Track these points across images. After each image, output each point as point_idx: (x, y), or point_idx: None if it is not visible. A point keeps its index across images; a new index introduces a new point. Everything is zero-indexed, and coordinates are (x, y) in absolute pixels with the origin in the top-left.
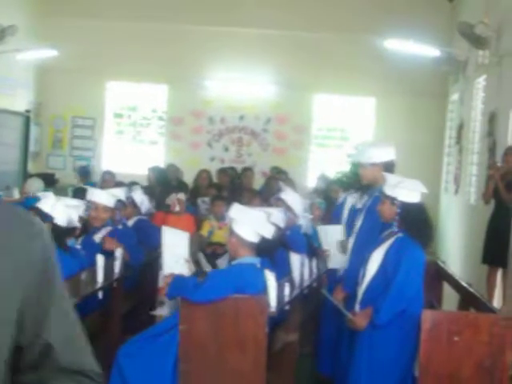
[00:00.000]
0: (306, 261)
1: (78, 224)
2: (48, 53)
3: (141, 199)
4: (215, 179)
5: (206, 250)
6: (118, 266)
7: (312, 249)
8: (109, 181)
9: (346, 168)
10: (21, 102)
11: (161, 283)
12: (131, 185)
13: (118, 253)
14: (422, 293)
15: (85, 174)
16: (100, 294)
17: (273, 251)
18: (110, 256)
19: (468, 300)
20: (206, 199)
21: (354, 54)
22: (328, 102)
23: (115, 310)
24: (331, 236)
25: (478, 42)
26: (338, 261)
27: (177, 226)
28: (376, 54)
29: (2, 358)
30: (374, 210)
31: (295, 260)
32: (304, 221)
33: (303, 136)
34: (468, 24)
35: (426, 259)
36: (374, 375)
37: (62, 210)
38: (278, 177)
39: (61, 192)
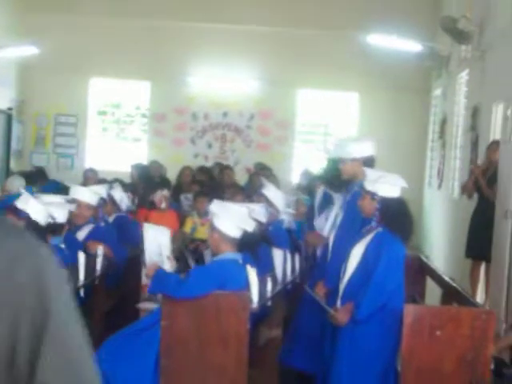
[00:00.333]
0: (289, 256)
1: (62, 221)
2: (29, 50)
3: (120, 196)
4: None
5: (189, 246)
6: (99, 263)
7: (295, 244)
8: (91, 178)
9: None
10: (3, 99)
11: (144, 280)
12: (111, 182)
13: (100, 250)
14: (403, 287)
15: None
16: (81, 292)
17: (255, 247)
18: (91, 254)
19: (450, 294)
20: (189, 196)
21: (337, 50)
22: (311, 97)
23: (97, 308)
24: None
25: (460, 36)
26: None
27: (160, 223)
28: (359, 50)
29: None
30: (354, 206)
31: (278, 256)
32: (286, 216)
33: (287, 132)
34: (451, 19)
35: (406, 254)
36: (355, 370)
37: (41, 207)
38: (260, 173)
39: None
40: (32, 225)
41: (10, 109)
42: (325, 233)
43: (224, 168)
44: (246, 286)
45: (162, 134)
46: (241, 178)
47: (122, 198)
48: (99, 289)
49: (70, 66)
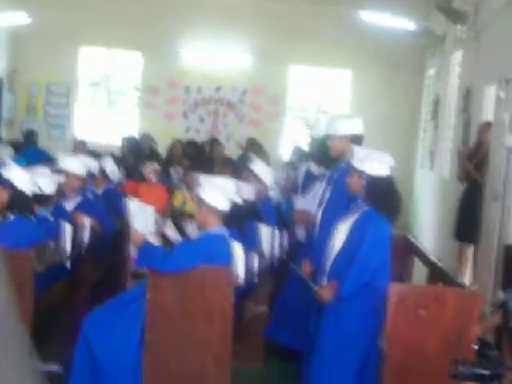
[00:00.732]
0: (277, 233)
1: (49, 192)
2: (20, 18)
3: (111, 169)
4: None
5: (179, 219)
6: (86, 235)
7: (283, 221)
8: (80, 149)
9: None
10: None
11: (131, 253)
12: (102, 155)
13: (87, 222)
14: (388, 266)
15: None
16: (68, 263)
17: (242, 222)
18: (78, 225)
19: (436, 274)
20: (179, 169)
21: (331, 26)
22: (304, 73)
23: (83, 279)
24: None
25: (455, 16)
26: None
27: (149, 196)
28: (353, 27)
29: None
30: (342, 183)
31: (265, 232)
32: (275, 193)
33: (278, 108)
34: None
35: (394, 233)
36: (339, 347)
37: (26, 177)
38: (250, 148)
39: None
40: (17, 194)
41: (0, 78)
42: (313, 210)
43: (213, 142)
44: (232, 261)
45: (153, 107)
46: (233, 152)
47: (113, 171)
48: (86, 260)
49: (61, 34)
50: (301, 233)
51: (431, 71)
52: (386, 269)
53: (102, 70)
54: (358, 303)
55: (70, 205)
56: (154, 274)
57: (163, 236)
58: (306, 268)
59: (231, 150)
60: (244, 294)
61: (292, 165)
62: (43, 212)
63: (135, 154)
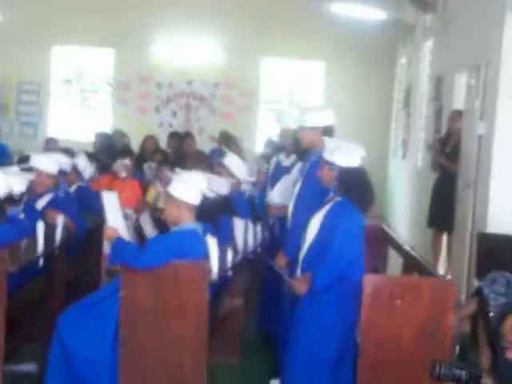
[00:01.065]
0: (251, 226)
1: (21, 191)
2: None
3: (84, 166)
4: (165, 144)
5: (153, 215)
6: (59, 233)
7: (256, 214)
8: (52, 147)
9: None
10: None
11: (106, 250)
12: (75, 152)
13: (60, 220)
14: (362, 257)
15: None
16: (41, 262)
17: (215, 216)
18: (50, 223)
19: (411, 264)
20: (152, 165)
21: (303, 18)
22: (276, 66)
23: (57, 278)
24: None
25: (424, 5)
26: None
27: (123, 192)
28: (325, 18)
29: None
30: (313, 175)
31: (239, 225)
32: (248, 186)
33: (251, 101)
34: None
35: (368, 223)
36: (314, 339)
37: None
38: (223, 141)
39: None
40: None
41: None
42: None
43: (185, 136)
44: (206, 256)
45: (126, 102)
46: (206, 146)
47: (86, 167)
48: (59, 259)
49: (33, 33)
50: (277, 226)
51: (403, 60)
52: (359, 260)
53: (74, 67)
54: (333, 295)
55: (41, 203)
56: (127, 270)
57: (139, 231)
58: (280, 261)
59: (204, 144)
60: (219, 288)
61: (265, 157)
62: (15, 211)
63: (108, 150)
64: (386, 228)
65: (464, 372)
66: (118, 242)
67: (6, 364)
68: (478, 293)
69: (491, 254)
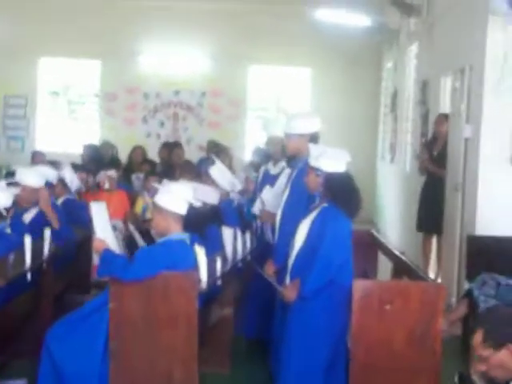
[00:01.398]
0: (239, 234)
1: (6, 205)
2: None
3: (70, 178)
4: (153, 154)
5: (141, 226)
6: (46, 246)
7: (245, 222)
8: (39, 161)
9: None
10: None
11: (95, 261)
12: (60, 164)
13: (47, 234)
14: (351, 263)
15: None
16: (28, 276)
17: (203, 226)
18: (38, 237)
19: (401, 269)
20: (140, 175)
21: (288, 25)
22: (263, 73)
23: (46, 291)
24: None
25: (409, 9)
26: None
27: (109, 203)
28: (310, 25)
29: None
30: (300, 182)
31: (228, 234)
32: (236, 194)
33: (239, 109)
34: None
35: (357, 228)
36: (305, 345)
37: None
38: (212, 150)
39: None
40: None
41: None
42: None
43: (173, 146)
44: (195, 266)
45: (113, 113)
46: (194, 155)
47: (72, 180)
48: (47, 273)
49: (19, 46)
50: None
51: (389, 64)
52: (349, 265)
53: (61, 79)
54: (323, 301)
55: (28, 216)
56: (116, 282)
57: (128, 242)
58: (269, 269)
59: (192, 153)
60: (209, 297)
61: (254, 165)
62: (1, 226)
63: (96, 162)
64: (375, 233)
65: None
66: (107, 254)
67: None
68: (468, 295)
69: (480, 256)
